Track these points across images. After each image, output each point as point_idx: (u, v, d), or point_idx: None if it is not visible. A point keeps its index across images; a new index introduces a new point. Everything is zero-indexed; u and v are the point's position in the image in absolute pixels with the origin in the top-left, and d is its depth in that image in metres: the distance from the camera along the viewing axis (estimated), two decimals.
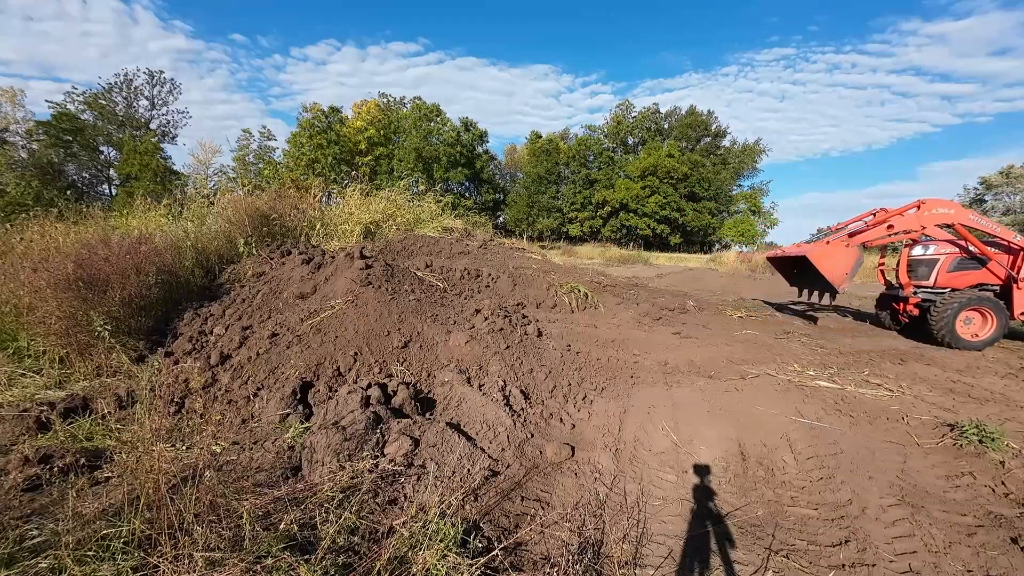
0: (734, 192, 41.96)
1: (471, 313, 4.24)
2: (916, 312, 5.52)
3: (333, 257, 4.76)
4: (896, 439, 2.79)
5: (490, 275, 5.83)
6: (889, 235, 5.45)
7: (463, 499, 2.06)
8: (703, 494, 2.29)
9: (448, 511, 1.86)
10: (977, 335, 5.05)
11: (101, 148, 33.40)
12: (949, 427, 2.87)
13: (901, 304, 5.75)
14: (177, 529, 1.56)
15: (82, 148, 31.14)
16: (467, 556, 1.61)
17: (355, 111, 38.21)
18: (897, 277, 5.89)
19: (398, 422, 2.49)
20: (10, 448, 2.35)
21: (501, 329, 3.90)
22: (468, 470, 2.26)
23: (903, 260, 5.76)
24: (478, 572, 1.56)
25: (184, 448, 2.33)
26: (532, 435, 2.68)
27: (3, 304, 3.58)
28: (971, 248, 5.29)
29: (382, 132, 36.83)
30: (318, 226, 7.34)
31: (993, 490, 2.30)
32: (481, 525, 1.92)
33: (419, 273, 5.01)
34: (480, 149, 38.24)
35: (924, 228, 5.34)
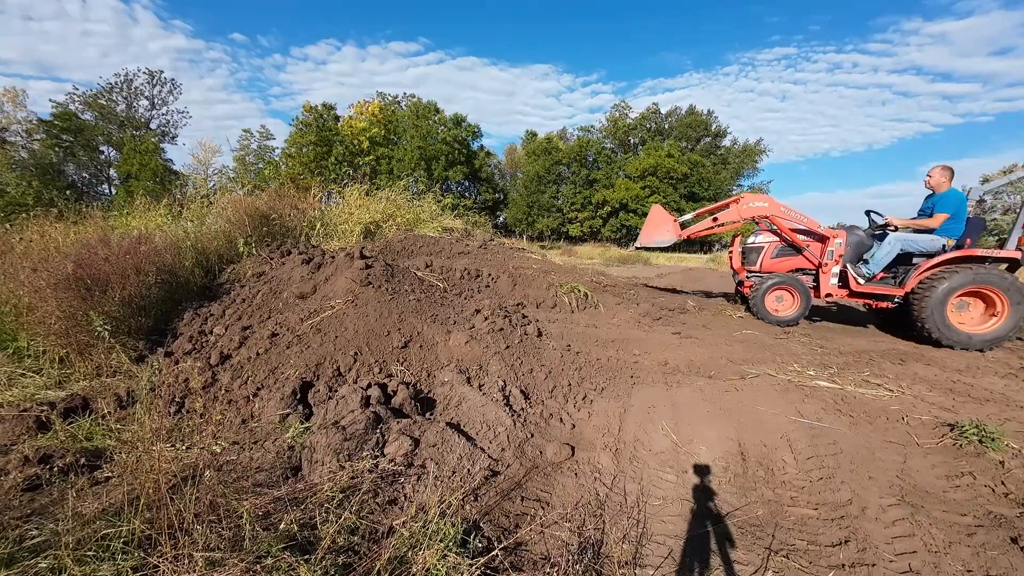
0: (734, 192, 41.97)
1: (471, 313, 4.24)
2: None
3: (333, 257, 4.76)
4: (896, 439, 2.79)
5: (490, 275, 5.83)
6: (714, 227, 6.12)
7: (463, 499, 2.06)
8: (703, 494, 2.29)
9: (448, 511, 1.86)
10: (780, 311, 5.88)
11: (101, 148, 33.39)
12: (949, 427, 2.87)
13: (740, 286, 6.57)
14: (177, 529, 1.56)
15: (82, 148, 31.14)
16: (467, 556, 1.61)
17: (358, 111, 38.23)
18: (732, 262, 6.65)
19: (398, 422, 2.49)
20: (10, 448, 2.35)
21: (501, 329, 3.90)
22: (468, 470, 2.26)
23: (735, 248, 6.55)
24: (478, 572, 1.56)
25: (184, 448, 2.33)
26: (532, 435, 2.68)
27: (3, 304, 3.58)
28: (787, 237, 5.94)
29: (383, 133, 36.84)
30: (318, 226, 7.34)
31: (993, 490, 2.30)
32: (481, 525, 1.92)
33: (419, 273, 5.01)
34: (476, 146, 38.23)
35: (744, 220, 6.01)
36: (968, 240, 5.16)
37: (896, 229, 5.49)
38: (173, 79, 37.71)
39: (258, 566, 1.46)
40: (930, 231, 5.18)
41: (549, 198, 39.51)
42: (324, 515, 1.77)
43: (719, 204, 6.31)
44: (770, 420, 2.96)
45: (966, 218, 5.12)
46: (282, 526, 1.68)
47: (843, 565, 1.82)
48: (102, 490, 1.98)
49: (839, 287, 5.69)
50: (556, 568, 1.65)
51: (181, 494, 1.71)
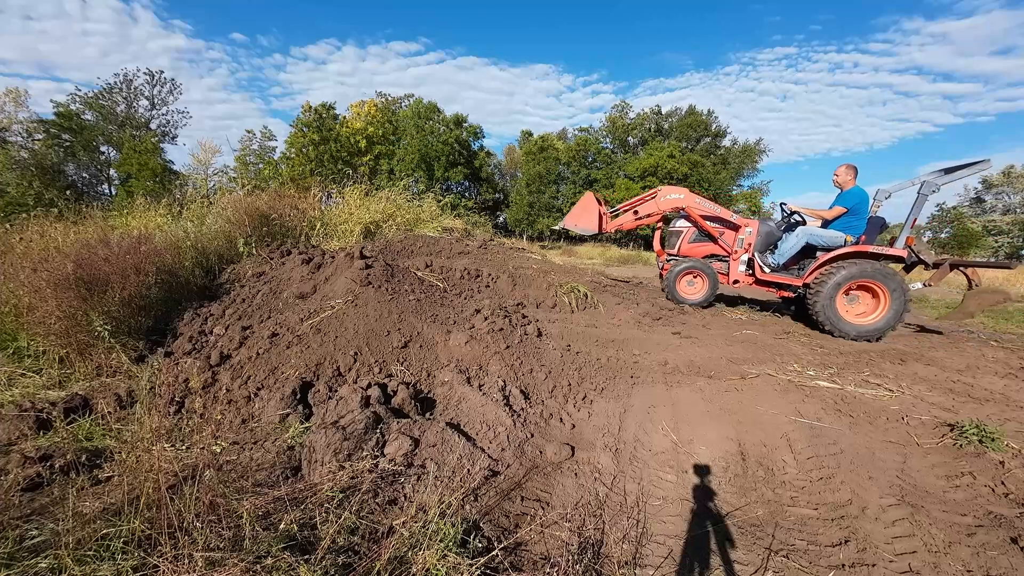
0: (734, 192, 41.92)
1: (471, 313, 4.24)
2: None
3: (333, 257, 4.76)
4: (896, 439, 2.79)
5: (490, 275, 5.83)
6: (637, 220, 6.33)
7: (463, 499, 2.06)
8: (703, 494, 2.29)
9: (448, 511, 1.86)
10: (690, 293, 6.21)
11: (101, 148, 33.38)
12: (949, 427, 2.87)
13: (662, 270, 6.87)
14: (177, 529, 1.56)
15: (82, 148, 31.13)
16: (467, 556, 1.61)
17: (354, 111, 38.19)
18: (654, 246, 7.01)
19: (398, 422, 2.49)
20: (10, 448, 2.35)
21: (501, 329, 3.90)
22: (468, 470, 2.26)
23: (657, 232, 6.90)
24: (478, 572, 1.56)
25: (184, 448, 2.33)
26: (532, 435, 2.68)
27: (3, 304, 3.58)
28: (703, 225, 6.24)
29: (380, 132, 36.81)
30: (318, 226, 7.33)
31: (993, 490, 2.30)
32: (481, 525, 1.92)
33: (419, 273, 5.01)
34: (477, 146, 38.23)
35: (663, 212, 6.26)
36: (863, 237, 5.43)
37: (796, 214, 5.90)
38: (173, 79, 37.71)
39: (258, 566, 1.46)
40: (827, 222, 5.53)
41: (549, 198, 39.50)
42: (324, 515, 1.77)
43: (639, 198, 6.44)
44: (770, 420, 2.96)
45: (867, 216, 5.41)
46: (282, 526, 1.68)
47: (843, 565, 1.82)
48: (102, 490, 1.98)
49: (747, 274, 6.00)
50: (556, 568, 1.65)
51: (181, 494, 1.71)
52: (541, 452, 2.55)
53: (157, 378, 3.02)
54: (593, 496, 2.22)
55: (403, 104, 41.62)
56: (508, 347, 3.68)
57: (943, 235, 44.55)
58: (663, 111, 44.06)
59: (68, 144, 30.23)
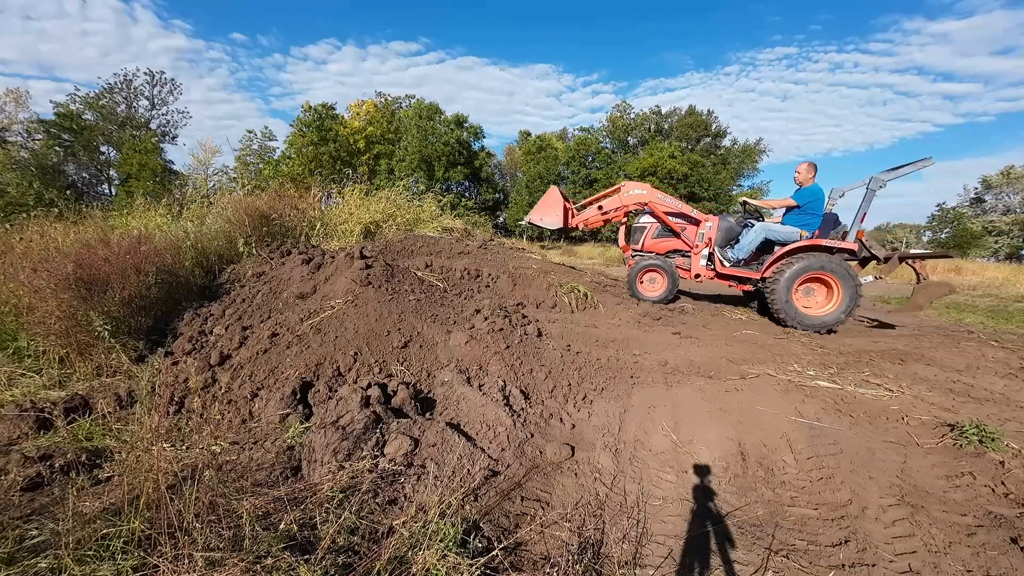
0: (734, 192, 41.91)
1: (471, 313, 4.24)
2: None
3: (333, 257, 4.76)
4: (896, 439, 2.79)
5: (490, 275, 5.83)
6: (602, 215, 6.40)
7: (463, 499, 2.06)
8: (703, 494, 2.29)
9: (448, 511, 1.86)
10: (650, 291, 6.32)
11: (101, 148, 33.37)
12: (949, 427, 2.87)
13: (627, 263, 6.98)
14: (177, 529, 1.56)
15: (82, 148, 31.12)
16: (467, 556, 1.61)
17: (353, 111, 38.19)
18: (619, 241, 7.08)
19: (398, 422, 2.49)
20: (10, 448, 2.35)
21: (501, 329, 3.90)
22: (468, 470, 2.26)
23: (623, 228, 6.98)
24: (478, 572, 1.56)
25: (184, 448, 2.33)
26: (532, 435, 2.68)
27: (3, 304, 3.58)
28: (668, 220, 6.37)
29: (379, 132, 36.80)
30: (318, 226, 7.33)
31: (993, 490, 2.30)
32: (481, 525, 1.92)
33: (419, 273, 5.01)
34: (477, 147, 38.22)
35: (627, 207, 6.34)
36: (816, 232, 5.60)
37: (748, 206, 6.12)
38: (173, 79, 37.70)
39: (258, 566, 1.46)
40: (788, 210, 5.75)
41: None
42: (324, 515, 1.77)
43: (603, 193, 6.53)
44: (770, 420, 2.96)
45: (823, 213, 5.64)
46: (282, 526, 1.68)
47: (843, 565, 1.82)
48: (102, 490, 1.98)
49: (708, 268, 6.15)
50: (556, 568, 1.65)
51: (181, 494, 1.71)
52: (541, 452, 2.55)
53: (157, 378, 3.02)
54: (593, 496, 2.22)
55: (402, 104, 41.63)
56: (508, 347, 3.68)
57: (943, 235, 44.58)
58: (663, 111, 44.11)
59: (68, 144, 30.23)
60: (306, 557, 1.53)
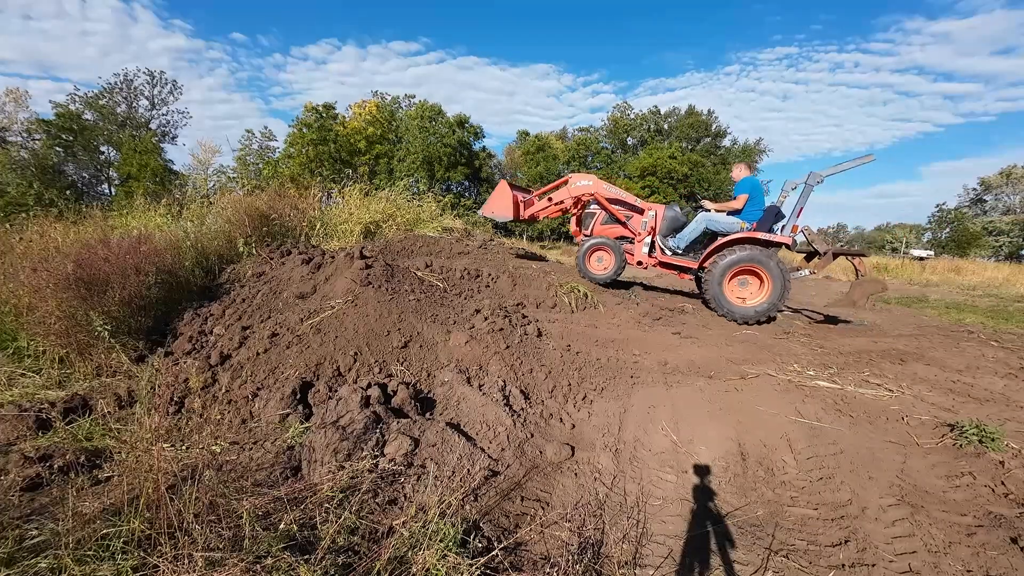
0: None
1: (471, 313, 4.24)
2: None
3: (333, 257, 4.76)
4: (896, 439, 2.79)
5: (490, 275, 5.83)
6: (553, 205, 6.61)
7: (463, 499, 2.06)
8: (703, 494, 2.29)
9: (448, 511, 1.86)
10: (598, 270, 6.46)
11: (101, 148, 33.36)
12: (949, 427, 2.87)
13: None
14: (177, 529, 1.56)
15: (82, 148, 31.11)
16: (467, 556, 1.61)
17: (355, 111, 38.16)
18: (571, 227, 7.21)
19: (398, 422, 2.49)
20: (10, 448, 2.35)
21: (501, 329, 3.90)
22: (468, 470, 2.26)
23: (575, 215, 7.07)
24: (478, 572, 1.56)
25: (184, 448, 2.33)
26: (532, 435, 2.68)
27: (3, 304, 3.58)
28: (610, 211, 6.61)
29: (379, 132, 36.79)
30: (318, 226, 7.33)
31: (993, 490, 2.30)
32: (481, 525, 1.92)
33: (419, 273, 5.01)
34: (478, 147, 38.23)
35: (574, 199, 6.51)
36: (754, 224, 5.79)
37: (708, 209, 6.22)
38: (174, 80, 37.68)
39: (258, 566, 1.46)
40: (737, 211, 5.91)
41: None
42: (324, 515, 1.77)
43: (552, 184, 6.80)
44: (770, 420, 2.96)
45: (763, 205, 5.87)
46: (282, 526, 1.68)
47: (843, 565, 1.83)
48: (102, 490, 1.98)
49: (649, 255, 6.36)
50: (556, 568, 1.65)
51: (181, 494, 1.71)
52: (541, 452, 2.55)
53: (157, 378, 3.02)
54: (593, 496, 2.22)
55: (402, 104, 41.63)
56: (508, 347, 3.68)
57: (943, 235, 44.57)
58: (663, 111, 44.11)
59: (68, 144, 30.21)
60: (306, 557, 1.53)
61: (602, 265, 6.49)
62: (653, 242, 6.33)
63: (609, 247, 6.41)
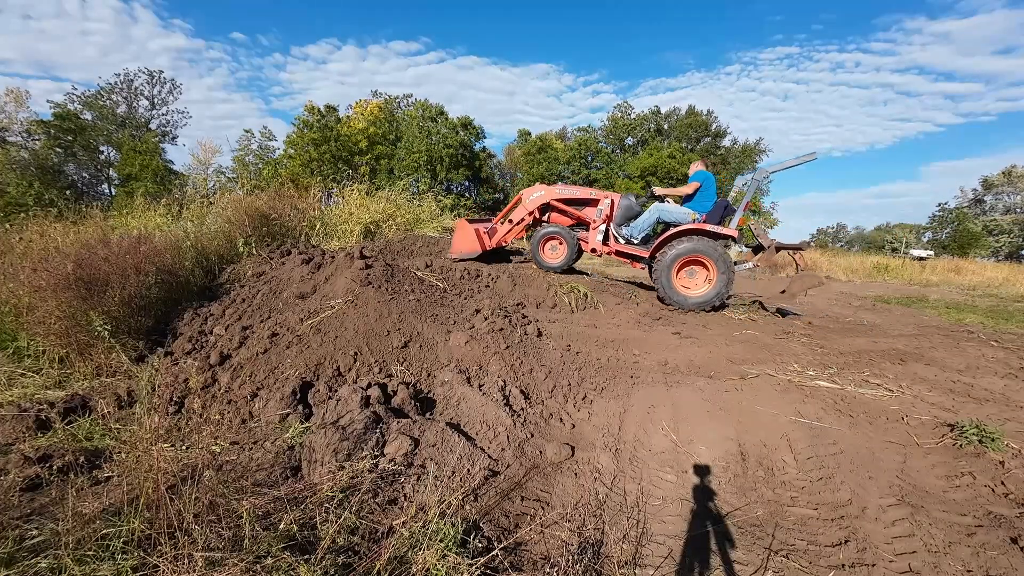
0: (734, 192, 41.81)
1: (471, 313, 4.24)
2: None
3: (333, 257, 4.76)
4: (896, 439, 2.79)
5: (490, 275, 5.84)
6: (516, 226, 6.65)
7: (463, 499, 2.06)
8: (703, 494, 2.29)
9: (448, 511, 1.86)
10: (552, 258, 6.50)
11: (101, 148, 33.35)
12: (949, 427, 2.87)
13: None
14: (177, 529, 1.56)
15: (82, 148, 31.10)
16: (467, 556, 1.61)
17: (357, 111, 38.15)
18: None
19: (398, 422, 2.49)
20: (10, 448, 2.35)
21: (501, 329, 3.90)
22: (468, 470, 2.26)
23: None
24: (478, 572, 1.56)
25: (184, 448, 2.33)
26: (532, 435, 2.68)
27: (3, 304, 3.58)
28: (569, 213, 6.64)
29: (380, 132, 36.79)
30: (318, 226, 7.34)
31: (993, 490, 2.30)
32: (481, 525, 1.92)
33: (419, 273, 5.01)
34: (479, 147, 38.24)
35: (531, 213, 6.54)
36: (704, 216, 5.90)
37: (663, 199, 6.34)
38: (173, 79, 37.67)
39: (258, 566, 1.46)
40: (689, 198, 6.05)
41: None
42: (324, 515, 1.77)
43: (508, 207, 6.84)
44: (770, 420, 2.96)
45: (714, 198, 5.98)
46: (282, 526, 1.68)
47: (843, 565, 1.83)
48: (102, 490, 1.98)
49: (603, 244, 6.38)
50: (556, 568, 1.65)
51: (181, 494, 1.71)
52: (541, 452, 2.55)
53: (157, 378, 3.02)
54: (593, 496, 2.22)
55: (401, 104, 41.64)
56: (508, 347, 3.68)
57: (943, 235, 44.58)
58: (662, 111, 44.10)
59: (68, 144, 30.21)
60: (306, 557, 1.53)
61: (555, 254, 6.52)
62: (607, 231, 6.41)
63: (561, 235, 6.45)
